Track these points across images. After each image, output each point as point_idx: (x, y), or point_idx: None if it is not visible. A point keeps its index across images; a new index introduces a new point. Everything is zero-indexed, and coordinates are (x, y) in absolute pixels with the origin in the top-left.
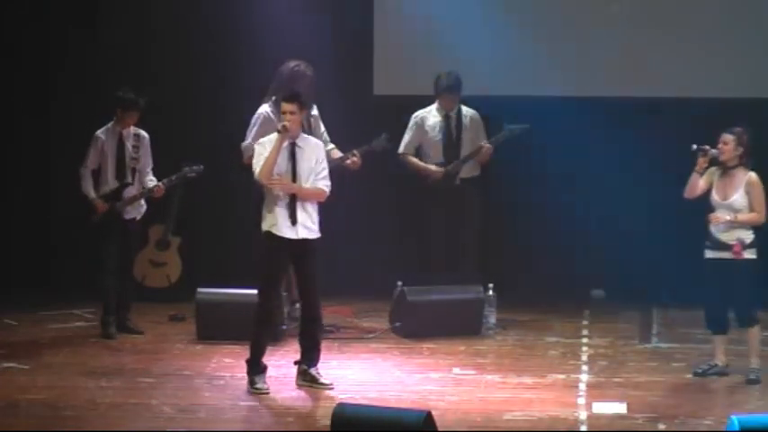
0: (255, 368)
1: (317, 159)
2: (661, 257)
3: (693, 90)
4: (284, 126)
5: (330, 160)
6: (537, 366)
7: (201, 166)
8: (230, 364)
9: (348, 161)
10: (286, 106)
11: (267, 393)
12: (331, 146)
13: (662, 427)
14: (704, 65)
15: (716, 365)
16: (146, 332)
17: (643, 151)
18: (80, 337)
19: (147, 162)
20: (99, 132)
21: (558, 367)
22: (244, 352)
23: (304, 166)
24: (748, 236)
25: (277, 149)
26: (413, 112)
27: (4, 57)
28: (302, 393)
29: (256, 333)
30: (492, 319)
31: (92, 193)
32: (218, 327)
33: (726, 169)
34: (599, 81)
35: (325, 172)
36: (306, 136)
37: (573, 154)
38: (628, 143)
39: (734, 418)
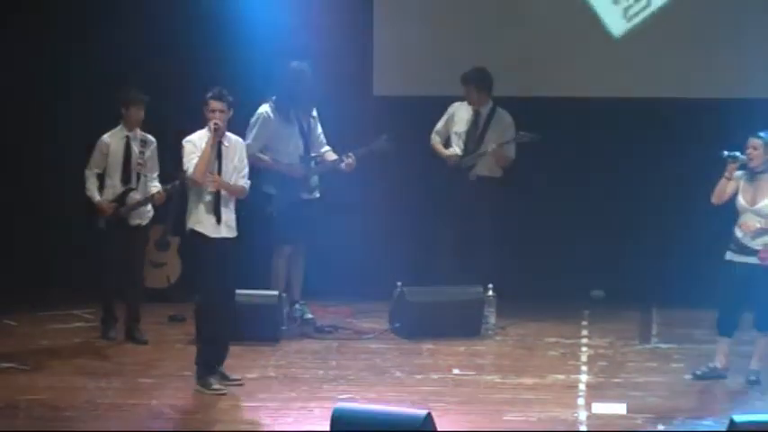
0: (208, 369)
1: (239, 157)
2: (661, 258)
3: (693, 91)
4: (216, 124)
5: (326, 162)
6: (536, 367)
7: None
8: (230, 364)
9: (342, 164)
10: (215, 104)
11: (224, 394)
12: (327, 148)
13: (661, 427)
14: (704, 66)
15: (715, 368)
16: (146, 333)
17: (643, 151)
18: (80, 337)
19: (153, 167)
20: (105, 136)
21: (558, 368)
22: (243, 352)
23: (229, 164)
24: None
25: (211, 148)
26: (412, 113)
27: (6, 57)
28: (302, 394)
29: (212, 331)
30: (492, 320)
31: (97, 196)
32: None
33: (753, 174)
34: (600, 82)
35: (246, 170)
36: (229, 134)
37: (573, 154)
38: (628, 143)
39: (734, 417)
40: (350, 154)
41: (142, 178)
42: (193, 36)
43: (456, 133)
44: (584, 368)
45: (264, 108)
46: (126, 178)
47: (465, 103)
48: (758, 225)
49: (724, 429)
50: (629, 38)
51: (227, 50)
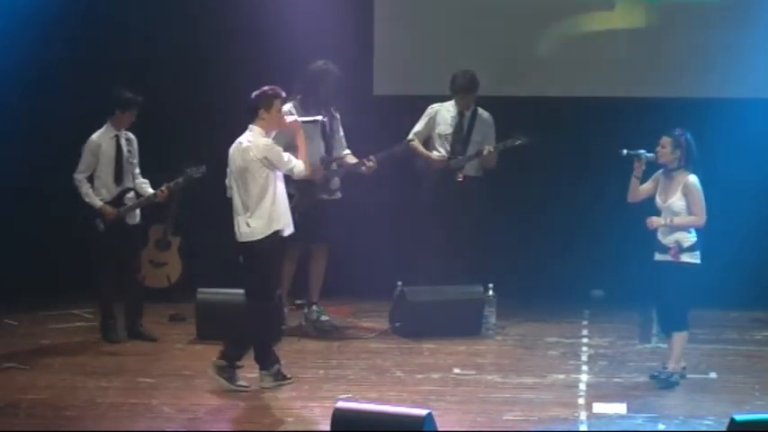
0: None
1: None
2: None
3: (687, 90)
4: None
5: (346, 165)
6: (537, 366)
7: (204, 167)
8: None
9: (363, 168)
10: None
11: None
12: (347, 151)
13: (662, 426)
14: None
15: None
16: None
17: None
18: (80, 336)
19: (136, 163)
20: (94, 137)
21: (558, 367)
22: None
23: None
24: (686, 239)
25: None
26: (413, 112)
27: (2, 58)
28: (302, 393)
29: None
30: (492, 320)
31: (98, 202)
32: (218, 327)
33: (668, 172)
34: (599, 81)
35: None
36: None
37: (574, 153)
38: (629, 142)
39: (734, 417)
40: (371, 157)
41: (131, 176)
42: (193, 37)
43: (440, 135)
44: (584, 368)
45: (287, 106)
46: (119, 178)
47: (446, 104)
48: (662, 221)
49: (724, 429)
50: (622, 37)
51: (227, 51)
